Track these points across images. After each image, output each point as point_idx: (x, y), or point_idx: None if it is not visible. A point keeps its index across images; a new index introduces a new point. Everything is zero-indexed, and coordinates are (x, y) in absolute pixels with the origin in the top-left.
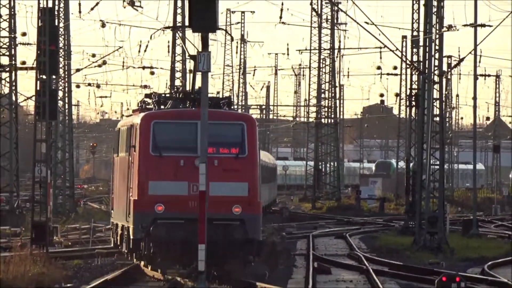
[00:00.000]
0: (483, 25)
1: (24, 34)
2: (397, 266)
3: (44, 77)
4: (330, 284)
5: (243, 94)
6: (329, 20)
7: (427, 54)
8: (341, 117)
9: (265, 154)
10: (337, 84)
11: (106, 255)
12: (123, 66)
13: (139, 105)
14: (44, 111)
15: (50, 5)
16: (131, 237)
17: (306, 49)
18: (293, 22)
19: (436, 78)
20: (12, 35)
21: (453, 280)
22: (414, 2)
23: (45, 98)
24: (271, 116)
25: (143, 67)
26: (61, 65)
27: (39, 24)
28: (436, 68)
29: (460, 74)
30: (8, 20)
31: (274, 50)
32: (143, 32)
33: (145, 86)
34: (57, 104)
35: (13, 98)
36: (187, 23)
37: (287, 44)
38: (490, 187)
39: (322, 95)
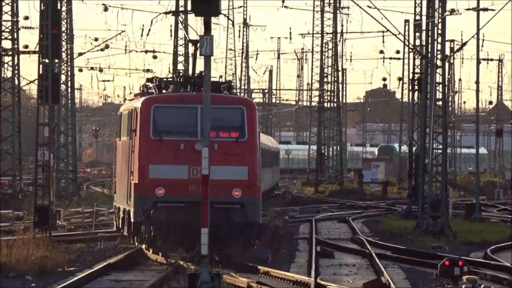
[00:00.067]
0: (485, 9)
1: (26, 18)
2: (400, 250)
3: (46, 61)
4: (333, 268)
5: (246, 78)
6: (332, 4)
7: (429, 38)
8: (344, 101)
9: (267, 138)
10: (339, 68)
11: (109, 239)
12: (125, 50)
13: (141, 89)
14: (46, 95)
15: None
16: (132, 220)
17: (308, 33)
18: (296, 6)
19: (438, 62)
20: (15, 19)
21: (456, 264)
22: None
23: (48, 82)
24: (273, 100)
25: (146, 51)
26: (63, 49)
27: (42, 8)
28: (438, 52)
29: (462, 58)
30: (10, 3)
31: (276, 34)
32: (146, 16)
33: (148, 70)
34: (59, 88)
35: (16, 82)
36: (189, 7)
37: (290, 28)
38: (493, 171)
39: (325, 79)
